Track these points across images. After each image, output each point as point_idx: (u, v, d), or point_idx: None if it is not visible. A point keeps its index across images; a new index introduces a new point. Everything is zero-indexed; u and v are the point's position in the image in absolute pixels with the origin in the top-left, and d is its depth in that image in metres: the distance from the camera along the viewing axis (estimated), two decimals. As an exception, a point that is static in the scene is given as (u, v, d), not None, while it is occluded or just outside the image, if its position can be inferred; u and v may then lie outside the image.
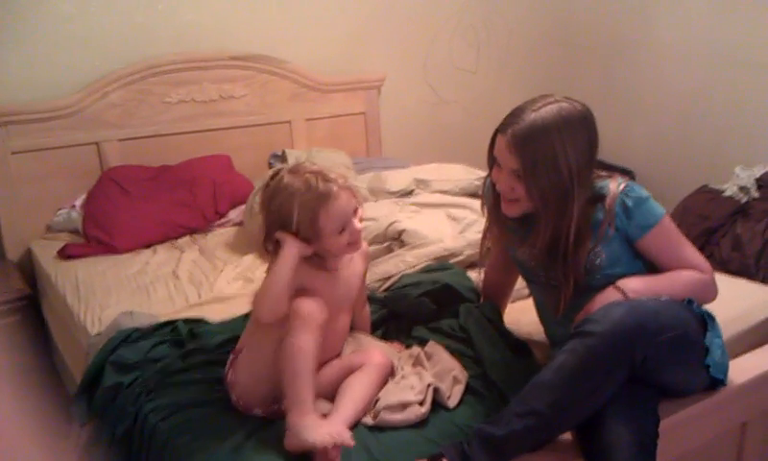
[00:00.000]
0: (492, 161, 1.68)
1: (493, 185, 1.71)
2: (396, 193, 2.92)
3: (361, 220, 1.64)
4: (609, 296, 1.57)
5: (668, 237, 1.66)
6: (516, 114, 1.61)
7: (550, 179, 1.57)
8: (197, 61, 3.23)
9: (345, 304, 1.72)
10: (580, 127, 1.59)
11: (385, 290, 2.14)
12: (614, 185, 1.65)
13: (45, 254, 2.77)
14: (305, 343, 1.47)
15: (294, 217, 1.54)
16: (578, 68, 4.22)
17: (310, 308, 1.50)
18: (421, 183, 2.97)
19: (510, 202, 1.66)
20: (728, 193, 3.11)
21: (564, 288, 1.64)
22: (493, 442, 1.40)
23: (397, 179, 2.99)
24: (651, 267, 1.68)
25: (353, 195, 1.61)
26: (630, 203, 1.63)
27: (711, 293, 1.66)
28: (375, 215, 2.53)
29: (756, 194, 3.04)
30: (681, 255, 1.66)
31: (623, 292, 1.57)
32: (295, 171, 1.60)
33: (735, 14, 3.46)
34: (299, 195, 1.54)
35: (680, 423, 1.54)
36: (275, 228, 1.58)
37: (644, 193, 1.66)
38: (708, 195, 3.19)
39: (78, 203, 2.96)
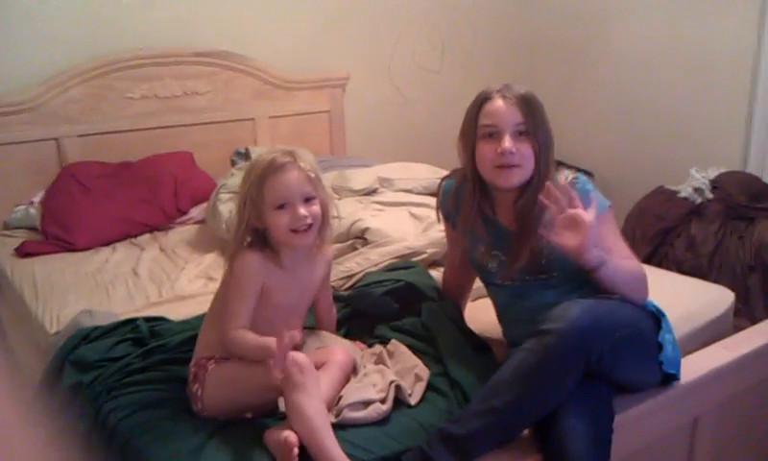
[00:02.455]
0: (474, 138, 1.69)
1: (471, 175, 1.73)
2: (360, 191, 2.92)
3: (321, 215, 1.65)
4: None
5: (610, 230, 1.71)
6: (493, 87, 1.69)
7: (545, 135, 1.67)
8: (160, 57, 3.20)
9: (298, 308, 1.73)
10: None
11: (348, 288, 2.15)
12: (562, 177, 1.71)
13: (2, 252, 2.72)
14: (312, 403, 1.44)
15: (250, 179, 1.61)
16: (539, 72, 4.28)
17: (302, 364, 1.48)
18: (385, 182, 2.98)
19: (510, 169, 1.66)
20: (683, 194, 3.18)
21: (523, 252, 1.68)
22: (455, 441, 1.42)
23: (361, 177, 3.00)
24: None
25: (311, 183, 1.63)
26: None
27: (646, 290, 1.70)
28: (338, 214, 2.53)
29: (710, 195, 3.11)
30: (619, 249, 1.70)
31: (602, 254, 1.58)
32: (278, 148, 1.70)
33: (690, 23, 3.55)
34: (259, 160, 1.64)
35: (634, 417, 1.58)
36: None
37: (589, 186, 1.71)
38: (663, 196, 3.26)
39: (36, 199, 2.91)
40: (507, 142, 1.64)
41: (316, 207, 1.64)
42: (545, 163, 1.67)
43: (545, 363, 1.44)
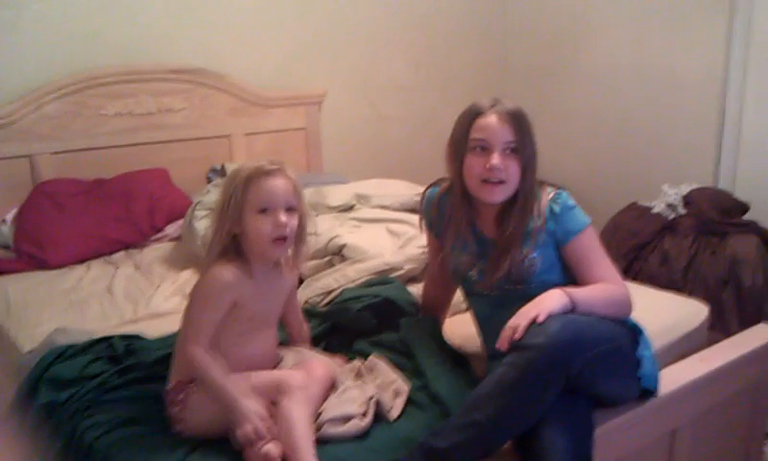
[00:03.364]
0: (463, 150, 1.71)
1: (455, 186, 1.75)
2: (337, 208, 2.92)
3: (301, 230, 1.67)
4: (551, 295, 1.58)
5: (590, 247, 1.72)
6: (485, 102, 1.71)
7: (532, 153, 1.70)
8: (135, 74, 3.18)
9: (270, 319, 1.72)
10: None
11: (326, 304, 2.14)
12: (545, 193, 1.74)
13: (-27, 270, 2.67)
14: (300, 412, 1.48)
15: (235, 181, 1.61)
16: (512, 90, 4.33)
17: (301, 381, 1.53)
18: (362, 198, 2.98)
19: (496, 185, 1.69)
20: (656, 210, 3.23)
21: (503, 263, 1.70)
22: (437, 454, 1.42)
23: (338, 194, 3.01)
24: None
25: (295, 193, 1.65)
26: (557, 209, 1.72)
27: (630, 307, 1.72)
28: (316, 230, 2.53)
29: (682, 211, 3.16)
30: (600, 266, 1.71)
31: (568, 293, 1.59)
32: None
33: (659, 43, 3.64)
34: (245, 166, 1.64)
35: (613, 430, 1.59)
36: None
37: (571, 202, 1.74)
38: (636, 212, 3.31)
39: (9, 217, 2.87)
40: (496, 159, 1.66)
41: (295, 221, 1.65)
42: (530, 179, 1.70)
43: (526, 377, 1.44)
